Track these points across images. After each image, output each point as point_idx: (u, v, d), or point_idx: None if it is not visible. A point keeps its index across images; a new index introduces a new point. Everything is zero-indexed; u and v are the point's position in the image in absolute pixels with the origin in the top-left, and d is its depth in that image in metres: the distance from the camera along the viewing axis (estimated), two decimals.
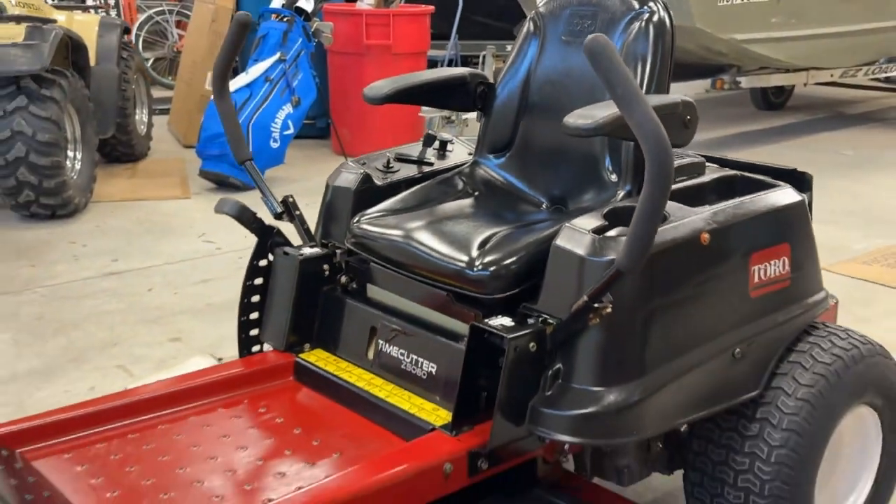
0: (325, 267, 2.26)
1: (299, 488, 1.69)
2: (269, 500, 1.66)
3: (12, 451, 1.84)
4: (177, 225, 5.11)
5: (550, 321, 1.82)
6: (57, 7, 6.27)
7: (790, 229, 2.06)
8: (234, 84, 5.88)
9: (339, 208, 2.34)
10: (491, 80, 2.45)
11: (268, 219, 2.45)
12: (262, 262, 2.33)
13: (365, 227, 2.17)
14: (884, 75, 8.07)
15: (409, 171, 2.43)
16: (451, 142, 2.57)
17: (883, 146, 7.28)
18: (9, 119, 4.75)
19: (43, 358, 3.40)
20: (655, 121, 1.51)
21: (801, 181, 2.33)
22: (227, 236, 4.86)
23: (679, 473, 2.17)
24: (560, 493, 1.96)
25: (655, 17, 2.12)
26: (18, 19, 4.89)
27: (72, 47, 5.31)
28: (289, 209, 2.38)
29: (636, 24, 2.13)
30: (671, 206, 1.91)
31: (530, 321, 1.84)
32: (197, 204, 5.54)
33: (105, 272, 4.32)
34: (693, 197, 2.03)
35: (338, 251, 2.29)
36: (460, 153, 2.54)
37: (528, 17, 2.38)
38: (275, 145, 5.81)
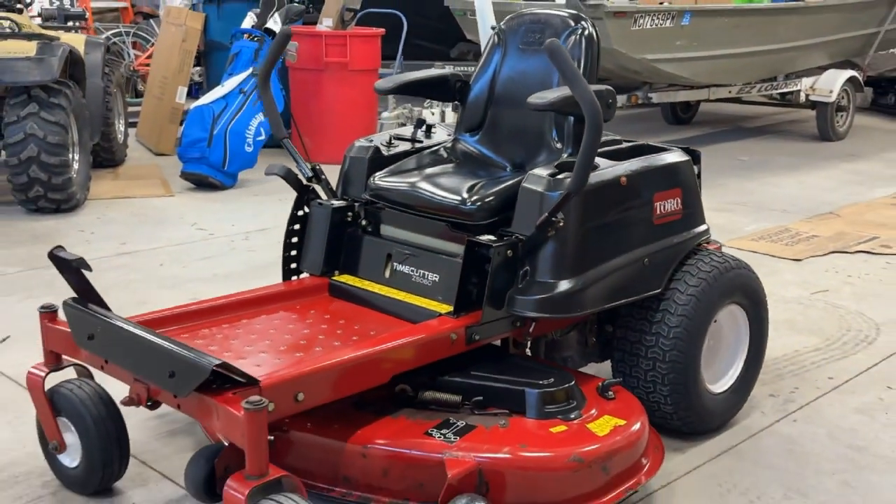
0: (349, 214, 3.07)
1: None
2: (340, 347, 2.46)
3: None
4: (169, 217, 5.82)
5: (521, 237, 2.66)
6: (44, 27, 6.92)
7: (681, 178, 2.95)
8: (212, 95, 6.65)
9: (356, 172, 3.14)
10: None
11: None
12: (300, 213, 3.11)
13: (380, 182, 2.99)
14: (777, 92, 9.20)
15: (406, 146, 3.25)
16: (434, 126, 3.40)
17: (773, 153, 8.39)
18: (22, 123, 5.43)
19: None
20: (591, 92, 2.38)
21: (692, 156, 3.23)
22: (217, 225, 5.62)
23: None
24: (527, 359, 2.80)
25: (586, 32, 3.01)
26: (30, 36, 5.56)
27: (70, 62, 5.99)
28: (317, 174, 3.16)
29: (573, 37, 3.01)
30: (601, 161, 2.79)
31: (506, 238, 2.67)
32: (181, 200, 6.26)
33: (117, 252, 5.03)
34: (615, 157, 2.90)
35: (356, 203, 3.10)
36: (442, 134, 3.38)
37: (494, 31, 3.24)
38: (248, 149, 6.56)
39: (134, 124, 8.33)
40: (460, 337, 2.61)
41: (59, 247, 2.56)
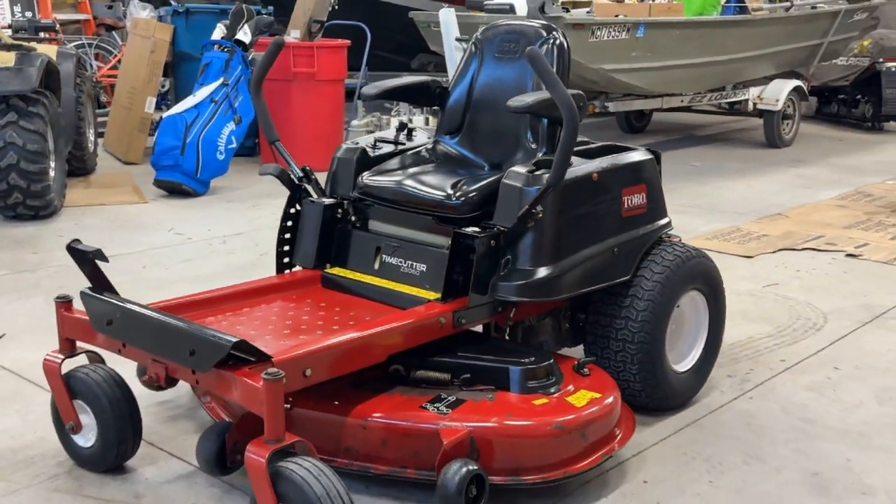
0: (339, 211, 3.28)
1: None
2: (339, 330, 2.68)
3: None
4: (145, 222, 5.97)
5: (502, 228, 2.90)
6: (14, 38, 7.02)
7: (646, 175, 3.22)
8: (184, 105, 6.81)
9: (344, 172, 3.35)
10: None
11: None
12: (292, 210, 3.32)
13: (368, 181, 3.21)
14: (726, 101, 9.59)
15: (390, 148, 3.48)
16: (415, 129, 3.64)
17: (723, 158, 8.77)
18: (2, 132, 5.55)
19: None
20: (568, 95, 2.64)
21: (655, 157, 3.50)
22: (194, 229, 5.78)
23: None
24: (509, 342, 3.04)
25: (558, 42, 3.27)
26: (9, 47, 5.70)
27: (46, 72, 6.11)
28: (307, 174, 3.36)
29: (545, 46, 3.26)
30: (574, 159, 3.04)
31: (489, 230, 2.91)
32: (156, 207, 6.41)
33: None
34: (586, 156, 3.16)
35: (345, 201, 3.31)
36: (422, 136, 3.62)
37: (471, 41, 3.49)
38: (220, 157, 6.72)
39: (100, 134, 8.43)
40: (448, 321, 2.84)
41: (76, 240, 2.75)
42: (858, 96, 10.88)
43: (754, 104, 9.38)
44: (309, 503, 2.14)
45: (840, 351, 3.95)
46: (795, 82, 9.42)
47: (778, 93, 9.22)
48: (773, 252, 5.48)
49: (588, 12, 8.13)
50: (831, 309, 4.47)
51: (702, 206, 6.75)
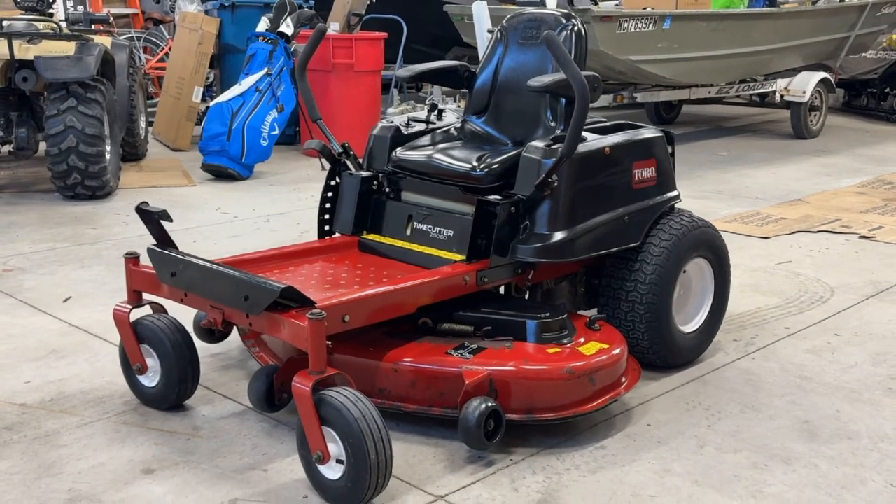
0: (375, 183, 3.61)
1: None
2: (374, 285, 3.01)
3: None
4: (194, 203, 6.36)
5: (522, 197, 3.21)
6: (70, 30, 7.44)
7: (655, 151, 3.51)
8: (230, 93, 7.19)
9: (379, 148, 3.68)
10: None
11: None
12: (333, 182, 3.65)
13: (401, 155, 3.53)
14: (753, 93, 9.79)
15: (421, 126, 3.80)
16: (445, 110, 3.96)
17: (750, 149, 8.99)
18: (62, 116, 5.96)
19: None
20: (581, 74, 2.94)
21: (666, 135, 3.78)
22: (240, 209, 6.15)
23: None
24: (527, 300, 3.36)
25: (576, 28, 3.57)
26: (70, 37, 6.10)
27: (102, 61, 6.51)
28: (346, 150, 3.70)
29: (564, 32, 3.57)
30: (588, 135, 3.35)
31: (510, 198, 3.22)
32: (203, 189, 6.80)
33: None
34: (600, 132, 3.46)
35: (380, 174, 3.64)
36: (451, 117, 3.94)
37: (497, 28, 3.80)
38: (264, 143, 7.10)
39: (150, 123, 8.86)
40: (472, 279, 3.16)
41: (144, 202, 3.10)
42: (887, 89, 11.02)
43: (781, 96, 9.57)
44: (348, 425, 2.47)
45: (842, 320, 4.21)
46: (822, 74, 9.59)
47: (805, 84, 9.41)
48: (790, 234, 5.73)
49: (616, 5, 8.40)
50: (838, 284, 4.72)
51: (724, 191, 7.00)
